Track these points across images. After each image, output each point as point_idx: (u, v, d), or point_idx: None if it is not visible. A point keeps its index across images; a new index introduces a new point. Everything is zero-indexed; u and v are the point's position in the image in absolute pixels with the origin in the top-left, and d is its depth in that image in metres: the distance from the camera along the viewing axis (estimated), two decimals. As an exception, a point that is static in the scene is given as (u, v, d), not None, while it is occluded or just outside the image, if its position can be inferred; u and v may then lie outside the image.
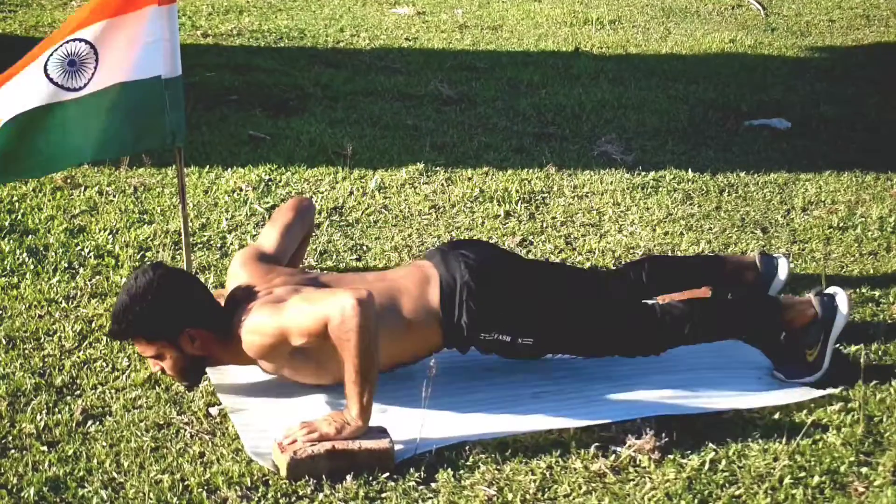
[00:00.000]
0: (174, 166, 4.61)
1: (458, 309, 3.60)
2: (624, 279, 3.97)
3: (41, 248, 4.63)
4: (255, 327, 3.44)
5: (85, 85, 3.79)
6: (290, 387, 3.65)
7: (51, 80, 3.75)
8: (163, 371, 3.61)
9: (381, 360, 3.38)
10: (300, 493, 3.14)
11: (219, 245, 4.76)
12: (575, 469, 3.29)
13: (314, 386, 3.61)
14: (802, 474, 3.27)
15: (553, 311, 3.69)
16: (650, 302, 3.83)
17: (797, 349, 3.81)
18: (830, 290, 3.89)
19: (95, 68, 3.80)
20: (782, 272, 4.10)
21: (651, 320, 3.74)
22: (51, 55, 3.74)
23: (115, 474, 3.20)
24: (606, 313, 3.76)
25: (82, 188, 5.27)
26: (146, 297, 3.46)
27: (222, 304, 3.65)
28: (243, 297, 3.58)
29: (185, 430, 3.43)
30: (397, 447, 3.27)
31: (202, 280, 4.39)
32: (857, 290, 4.43)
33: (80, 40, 3.77)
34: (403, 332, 3.56)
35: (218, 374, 3.73)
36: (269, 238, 3.92)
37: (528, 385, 3.73)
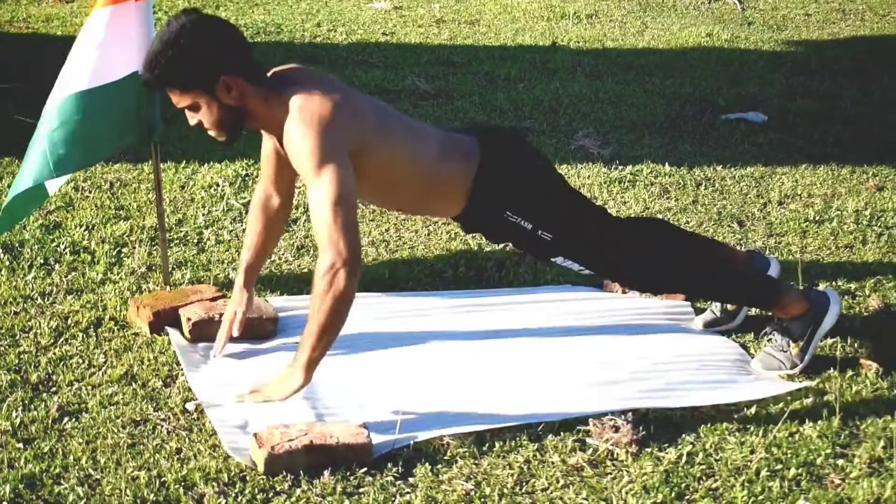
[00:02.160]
0: (150, 162, 4.60)
1: (496, 178, 3.63)
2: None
3: (16, 245, 4.60)
4: (298, 141, 3.33)
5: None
6: (266, 377, 3.64)
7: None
8: (200, 125, 3.48)
9: (392, 199, 3.59)
10: (277, 488, 3.13)
11: (195, 241, 4.75)
12: (552, 463, 3.29)
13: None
14: (779, 467, 3.28)
15: (579, 214, 3.75)
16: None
17: (782, 340, 3.80)
18: (825, 288, 3.90)
19: (95, 68, 3.82)
20: (773, 271, 4.10)
21: (670, 248, 3.81)
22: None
23: (91, 471, 3.18)
24: (625, 230, 3.87)
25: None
26: (179, 40, 3.32)
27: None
28: (300, 78, 3.52)
29: (162, 426, 3.42)
30: (375, 442, 3.27)
31: (177, 275, 4.38)
32: (834, 282, 4.44)
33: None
34: (434, 177, 3.61)
35: (194, 371, 3.71)
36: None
37: (506, 379, 3.73)
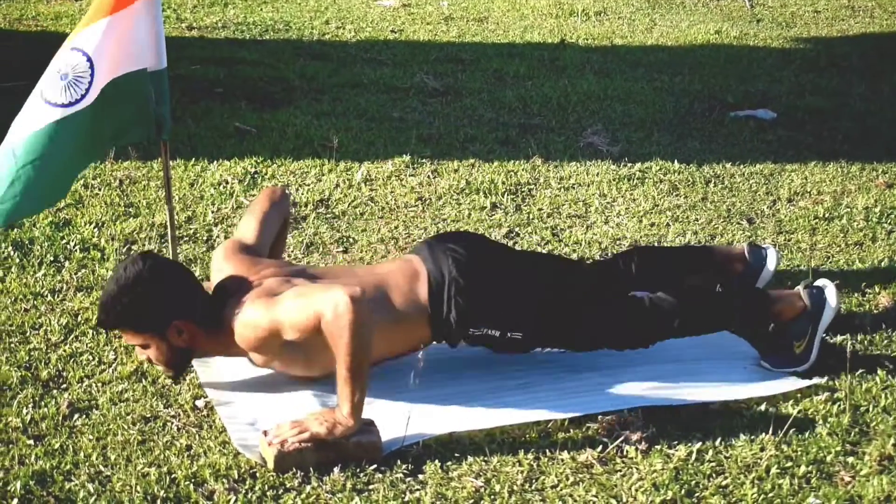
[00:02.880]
0: (160, 159, 4.61)
1: (447, 304, 3.59)
2: (613, 270, 3.97)
3: (26, 242, 4.61)
4: (249, 321, 3.42)
5: (81, 97, 3.71)
6: (277, 380, 3.65)
7: (46, 101, 3.69)
8: (149, 360, 3.59)
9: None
10: (287, 485, 3.13)
11: (205, 238, 4.75)
12: (562, 460, 3.29)
13: (304, 379, 3.60)
14: (789, 464, 3.28)
15: (541, 306, 3.68)
16: (639, 294, 3.82)
17: (785, 341, 3.81)
18: (819, 282, 3.89)
19: (91, 80, 3.74)
20: (771, 263, 4.10)
21: (640, 313, 3.74)
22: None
23: (101, 467, 3.19)
24: (595, 307, 3.75)
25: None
26: (135, 288, 3.43)
27: (210, 294, 3.64)
28: (234, 288, 3.56)
29: (172, 422, 3.43)
30: (385, 439, 3.27)
31: (191, 268, 4.38)
32: (843, 280, 4.43)
33: (76, 50, 3.73)
34: (392, 326, 3.54)
35: (204, 368, 3.72)
36: (248, 229, 3.89)
37: (515, 376, 3.73)
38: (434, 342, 3.68)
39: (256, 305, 3.43)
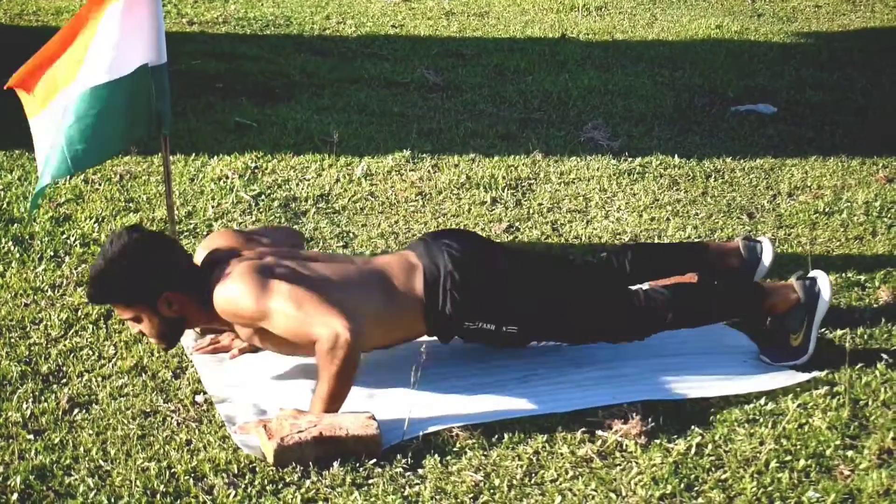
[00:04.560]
0: (160, 154, 4.62)
1: (442, 298, 3.60)
2: (608, 266, 3.97)
3: (27, 237, 4.61)
4: (231, 297, 3.42)
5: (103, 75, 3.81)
6: (276, 375, 3.65)
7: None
8: (141, 333, 3.61)
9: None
10: (287, 479, 3.13)
11: (205, 233, 4.75)
12: (562, 454, 3.30)
13: (298, 374, 3.61)
14: (788, 458, 3.28)
15: (536, 300, 3.69)
16: (634, 288, 3.83)
17: (782, 334, 3.82)
18: (812, 273, 3.89)
19: (111, 62, 3.81)
20: (766, 257, 4.10)
21: (634, 307, 3.74)
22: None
23: (101, 462, 3.19)
24: (590, 301, 3.76)
25: (67, 176, 5.25)
26: (122, 261, 3.45)
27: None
28: (223, 258, 3.56)
29: (172, 417, 3.43)
30: (384, 433, 3.27)
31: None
32: (843, 274, 4.43)
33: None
34: (387, 316, 3.57)
35: (204, 364, 3.72)
36: (252, 231, 3.93)
37: (515, 371, 3.73)
38: (427, 336, 3.68)
39: (245, 283, 3.41)
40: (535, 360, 3.78)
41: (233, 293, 3.42)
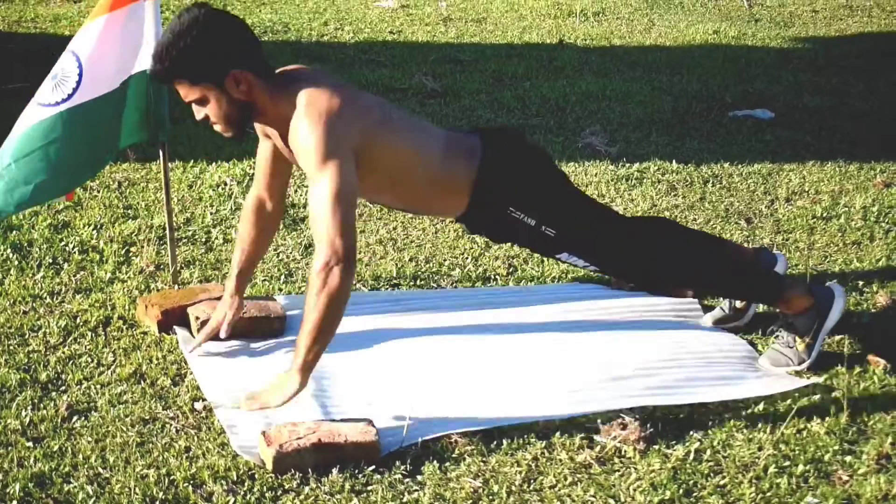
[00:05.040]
0: (158, 161, 4.60)
1: (496, 178, 3.61)
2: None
3: (25, 244, 4.62)
4: (305, 134, 3.32)
5: (68, 97, 3.74)
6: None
7: (38, 103, 3.74)
8: (207, 119, 3.50)
9: (397, 196, 3.53)
10: (286, 486, 3.13)
11: (203, 239, 4.76)
12: (560, 460, 3.30)
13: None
14: (787, 463, 3.28)
15: (583, 211, 3.75)
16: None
17: (787, 336, 3.81)
18: (829, 284, 3.90)
19: (80, 79, 3.76)
20: (780, 268, 4.10)
21: (671, 250, 3.79)
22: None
23: (100, 469, 3.19)
24: (630, 226, 3.86)
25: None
26: (191, 32, 3.32)
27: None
28: (317, 75, 3.52)
29: (171, 424, 3.43)
30: (383, 440, 3.27)
31: (185, 275, 4.39)
32: (841, 279, 4.44)
33: (70, 52, 3.76)
34: (436, 178, 3.60)
35: (202, 371, 3.72)
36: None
37: (514, 377, 3.73)
38: (458, 220, 3.74)
39: (323, 124, 3.30)
40: (533, 367, 3.79)
41: (308, 128, 3.32)
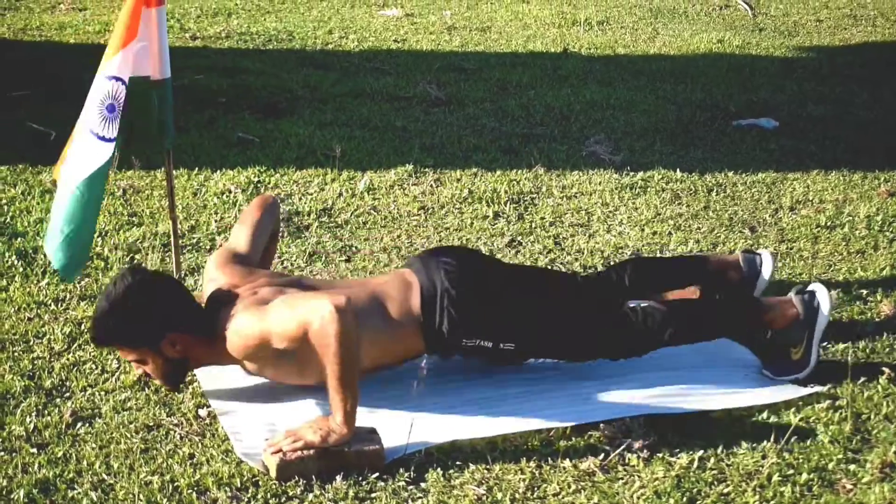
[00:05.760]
0: (163, 168, 4.62)
1: (440, 315, 3.60)
2: (607, 282, 3.99)
3: (30, 251, 4.62)
4: (240, 330, 3.44)
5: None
6: (280, 388, 3.65)
7: (100, 137, 3.75)
8: (146, 374, 3.61)
9: (363, 364, 3.38)
10: (290, 493, 3.14)
11: (208, 247, 4.76)
12: (564, 468, 3.30)
13: (300, 387, 3.61)
14: (791, 472, 3.28)
15: (533, 317, 3.69)
16: (633, 304, 3.82)
17: (783, 348, 3.82)
18: (811, 286, 3.89)
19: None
20: (766, 270, 4.10)
21: (632, 325, 3.74)
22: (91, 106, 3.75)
23: (104, 476, 3.20)
24: (587, 318, 3.77)
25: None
26: (125, 303, 3.44)
27: (203, 304, 3.65)
28: (226, 298, 3.58)
29: (175, 431, 3.43)
30: (387, 447, 3.27)
31: (189, 282, 4.39)
32: (845, 288, 4.44)
33: (117, 79, 3.78)
34: (385, 336, 3.56)
35: (207, 377, 3.73)
36: (240, 238, 3.91)
37: (517, 385, 3.73)
38: (426, 354, 3.68)
39: (247, 315, 3.45)
40: (537, 375, 3.79)
41: (239, 326, 3.44)
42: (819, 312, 3.79)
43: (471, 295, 3.64)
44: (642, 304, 3.81)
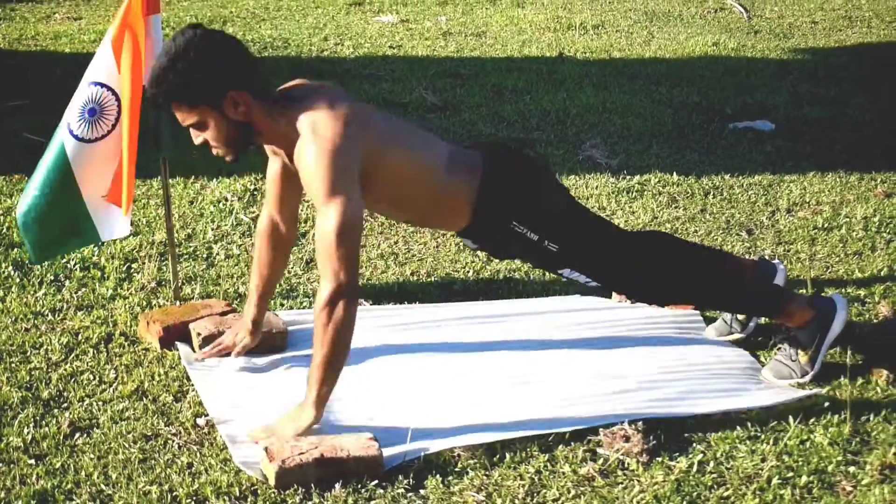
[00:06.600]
0: (159, 177, 4.62)
1: (498, 194, 3.61)
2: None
3: (26, 261, 4.62)
4: (310, 156, 3.27)
5: (105, 135, 3.87)
6: (278, 396, 3.65)
7: (73, 134, 3.82)
8: (206, 143, 3.44)
9: (401, 209, 3.59)
10: (289, 501, 3.13)
11: (205, 255, 4.76)
12: (563, 473, 3.29)
13: (300, 393, 3.61)
14: (790, 474, 3.28)
15: (586, 227, 3.76)
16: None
17: (790, 348, 3.80)
18: (832, 294, 3.89)
19: (117, 117, 3.86)
20: (779, 278, 4.11)
21: (669, 265, 3.80)
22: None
23: (103, 486, 3.19)
24: (632, 243, 3.88)
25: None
26: (187, 55, 3.26)
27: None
28: (316, 90, 3.55)
29: (173, 441, 3.43)
30: (386, 454, 3.27)
31: (186, 291, 4.39)
32: (843, 289, 4.44)
33: (104, 86, 3.80)
34: (440, 190, 3.59)
35: (204, 386, 3.72)
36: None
37: (516, 391, 3.73)
38: (465, 233, 3.73)
39: (330, 148, 3.27)
40: (535, 381, 3.78)
41: (315, 158, 3.27)
42: (835, 320, 3.78)
43: (534, 185, 3.68)
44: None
